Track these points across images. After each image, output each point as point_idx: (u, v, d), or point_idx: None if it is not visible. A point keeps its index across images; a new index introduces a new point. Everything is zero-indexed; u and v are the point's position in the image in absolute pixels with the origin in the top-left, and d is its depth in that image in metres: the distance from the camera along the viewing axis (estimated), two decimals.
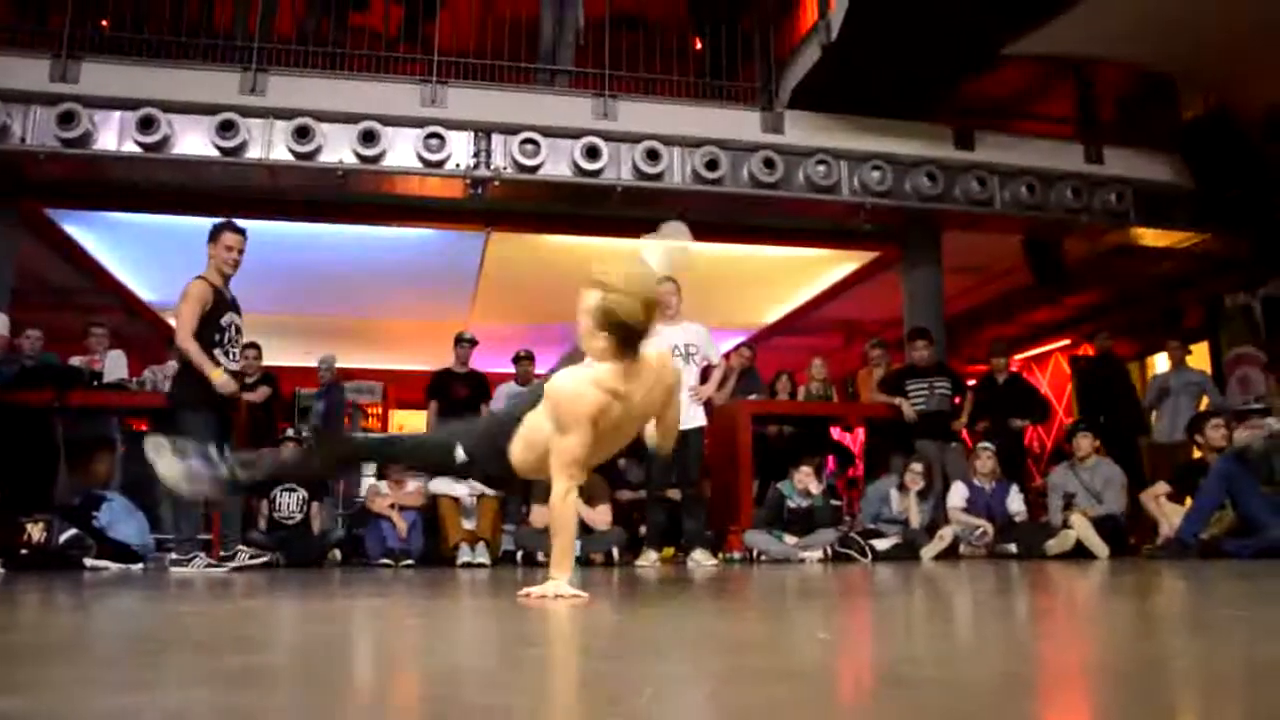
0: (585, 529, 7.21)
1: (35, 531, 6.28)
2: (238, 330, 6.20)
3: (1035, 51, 8.31)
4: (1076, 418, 9.71)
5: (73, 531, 6.36)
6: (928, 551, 7.41)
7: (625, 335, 3.38)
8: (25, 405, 7.15)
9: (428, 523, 7.60)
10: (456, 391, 8.64)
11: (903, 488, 7.90)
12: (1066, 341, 13.37)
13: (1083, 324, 12.77)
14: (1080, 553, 7.06)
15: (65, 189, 8.26)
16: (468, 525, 7.40)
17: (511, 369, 9.17)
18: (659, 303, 3.59)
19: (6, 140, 7.38)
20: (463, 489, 7.47)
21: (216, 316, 6.04)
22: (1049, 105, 9.99)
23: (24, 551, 6.11)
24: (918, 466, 7.84)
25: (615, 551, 7.29)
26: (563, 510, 3.45)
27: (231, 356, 6.13)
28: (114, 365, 7.75)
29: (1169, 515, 7.29)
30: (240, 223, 8.82)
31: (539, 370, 9.11)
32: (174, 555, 6.12)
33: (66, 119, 7.39)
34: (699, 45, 9.43)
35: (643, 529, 7.43)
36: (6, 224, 8.17)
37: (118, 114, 7.60)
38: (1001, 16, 7.48)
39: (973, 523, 7.65)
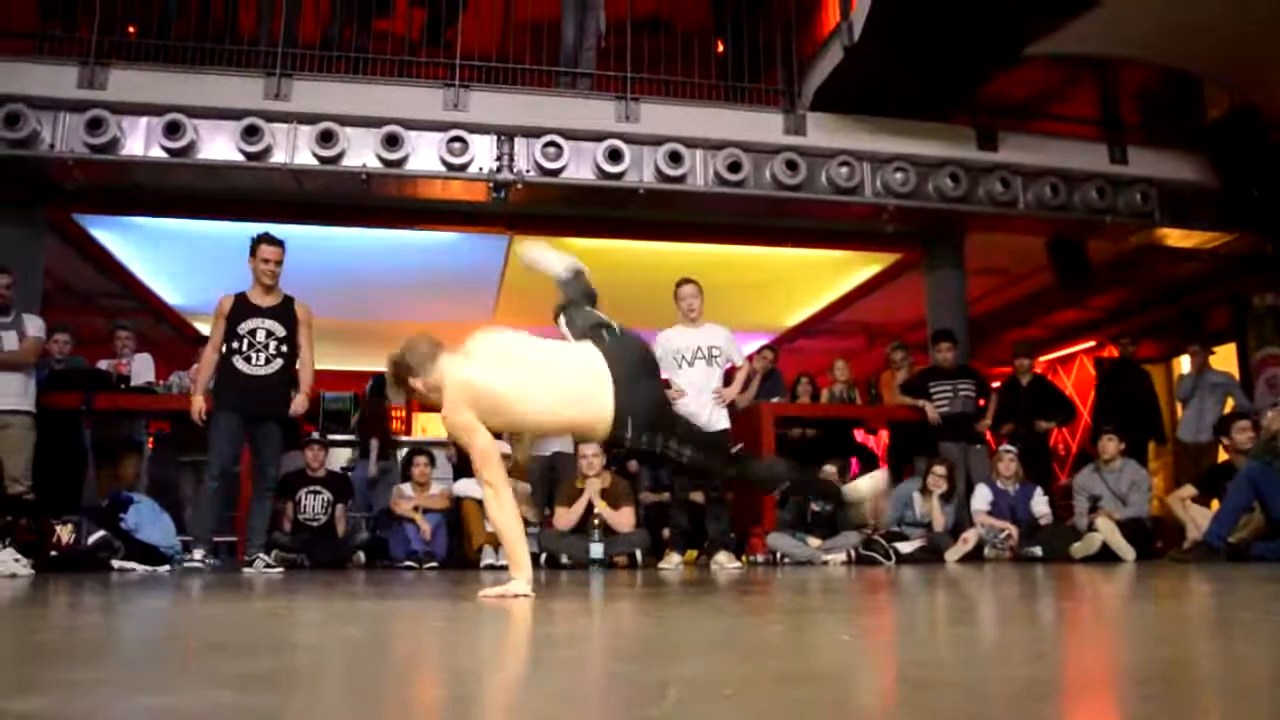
0: (609, 531, 7.23)
1: (64, 533, 6.35)
2: (268, 335, 6.33)
3: (1058, 51, 8.26)
4: (1094, 421, 9.66)
5: (101, 533, 6.43)
6: (952, 554, 7.39)
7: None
8: (54, 409, 7.22)
9: (451, 525, 7.64)
10: None
11: (925, 490, 7.87)
12: (1091, 343, 13.28)
13: (1108, 325, 12.70)
14: (1106, 556, 7.01)
15: (93, 194, 8.34)
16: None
17: None
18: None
19: (36, 146, 7.45)
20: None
21: (236, 324, 6.29)
22: (1073, 105, 9.92)
23: (53, 553, 6.18)
24: (940, 469, 7.82)
25: (638, 554, 7.30)
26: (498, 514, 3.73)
27: (254, 361, 6.27)
28: (141, 369, 7.84)
29: (1196, 518, 7.24)
30: (264, 226, 8.93)
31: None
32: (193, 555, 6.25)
33: (94, 125, 7.45)
34: (721, 47, 9.42)
35: (666, 532, 7.43)
36: (35, 229, 8.26)
37: (144, 120, 7.66)
38: (1024, 17, 7.44)
39: (997, 525, 7.62)
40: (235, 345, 6.27)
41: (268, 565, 6.34)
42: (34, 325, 7.00)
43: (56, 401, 7.27)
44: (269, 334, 6.33)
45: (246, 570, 6.18)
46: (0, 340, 6.77)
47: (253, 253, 6.42)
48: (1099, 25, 7.55)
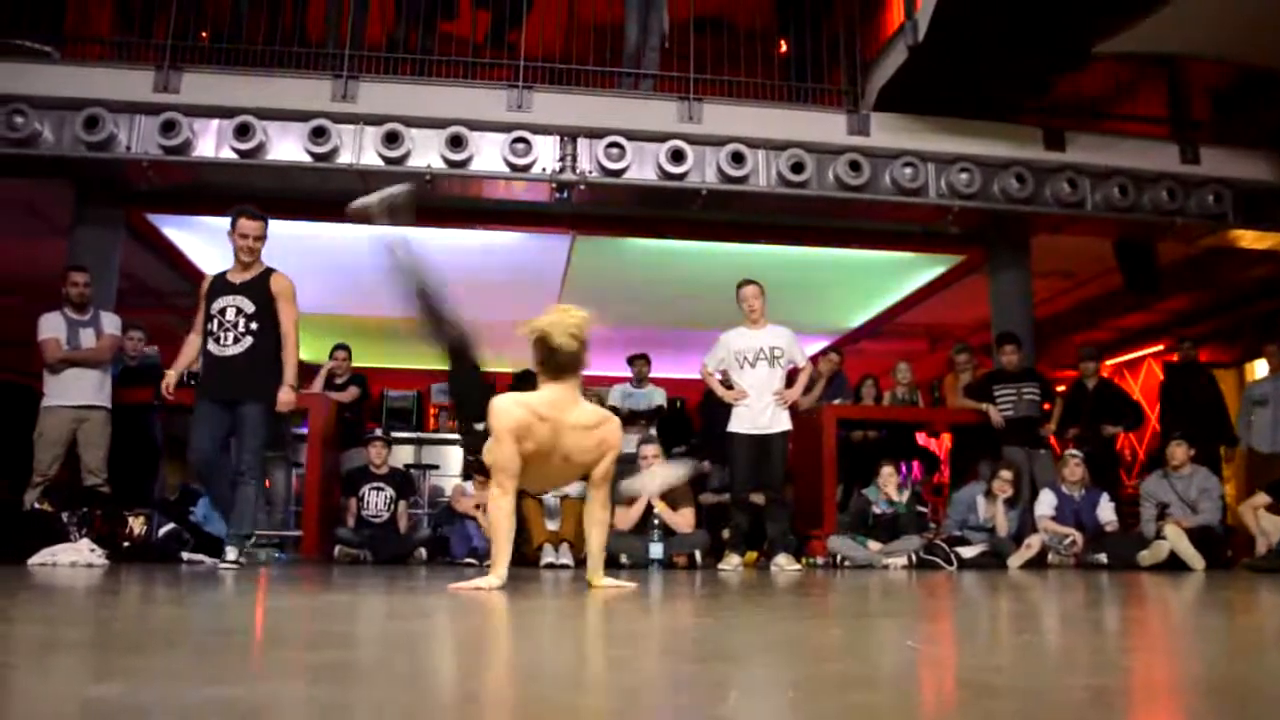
0: (669, 532, 7.24)
1: (136, 525, 6.52)
2: (237, 312, 5.89)
3: (1128, 50, 8.12)
4: (1161, 426, 9.47)
5: (171, 526, 6.58)
6: (1015, 560, 7.30)
7: (550, 360, 4.00)
8: (127, 404, 7.39)
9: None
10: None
11: (990, 494, 7.78)
12: (1160, 347, 13.03)
13: (1177, 329, 12.45)
14: (1174, 565, 6.89)
15: (166, 194, 8.51)
16: (551, 526, 7.47)
17: (598, 371, 9.25)
18: (585, 337, 4.06)
19: (113, 148, 7.64)
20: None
21: (210, 304, 5.95)
22: (1142, 104, 9.74)
23: (125, 544, 6.34)
24: (1006, 474, 7.72)
25: (698, 555, 7.31)
26: (491, 513, 4.12)
27: (222, 341, 5.86)
28: None
29: (1268, 528, 7.09)
30: (331, 226, 9.06)
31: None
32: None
33: (168, 127, 7.62)
34: (784, 48, 9.39)
35: (726, 533, 7.42)
36: (112, 228, 8.46)
37: (216, 122, 7.82)
38: (1093, 15, 7.32)
39: (1061, 531, 7.52)
40: (209, 326, 5.90)
41: (235, 561, 5.79)
42: (111, 323, 7.18)
43: (129, 397, 7.44)
44: (238, 311, 5.88)
45: (221, 564, 5.85)
46: (79, 337, 6.95)
47: (231, 227, 6.04)
48: (1169, 22, 7.40)
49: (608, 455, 4.15)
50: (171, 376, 5.97)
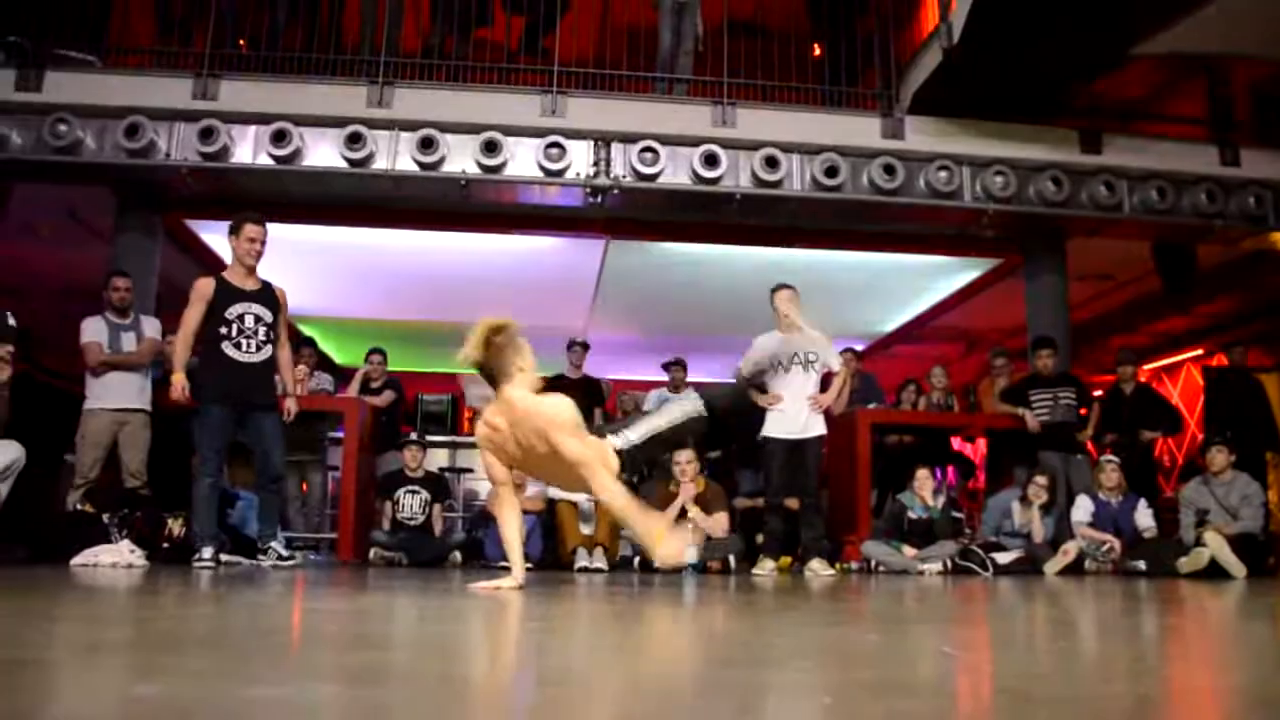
0: (704, 536, 7.23)
1: (175, 527, 6.58)
2: (256, 320, 6.05)
3: (1166, 51, 8.04)
4: (1205, 431, 9.34)
5: None
6: (1051, 566, 7.24)
7: (484, 375, 4.21)
8: (166, 407, 7.47)
9: (546, 527, 7.71)
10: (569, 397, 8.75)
11: (1025, 500, 7.72)
12: (1199, 351, 12.88)
13: (1216, 333, 12.30)
14: (1215, 572, 6.80)
15: (204, 200, 8.61)
16: (586, 530, 7.47)
17: (635, 376, 9.27)
18: (484, 344, 4.15)
19: (153, 155, 7.74)
20: (581, 495, 7.56)
21: (223, 308, 5.99)
22: (1181, 105, 9.63)
23: (165, 545, 6.41)
24: (1042, 479, 7.66)
25: (732, 560, 7.29)
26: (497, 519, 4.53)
27: (245, 348, 5.99)
28: None
29: None
30: (366, 231, 9.13)
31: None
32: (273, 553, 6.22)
33: (206, 134, 7.71)
34: (818, 51, 9.37)
35: (760, 537, 7.40)
36: (150, 234, 8.57)
37: (253, 128, 7.90)
38: (1131, 16, 7.25)
39: (1099, 538, 7.45)
40: (224, 331, 5.95)
41: (280, 558, 6.12)
42: (151, 326, 7.27)
43: (168, 401, 7.52)
44: (258, 319, 6.04)
45: (261, 560, 6.14)
46: (120, 341, 7.04)
47: (235, 232, 6.15)
48: (1209, 22, 7.32)
49: (554, 435, 4.10)
50: (182, 379, 5.91)
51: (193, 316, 5.98)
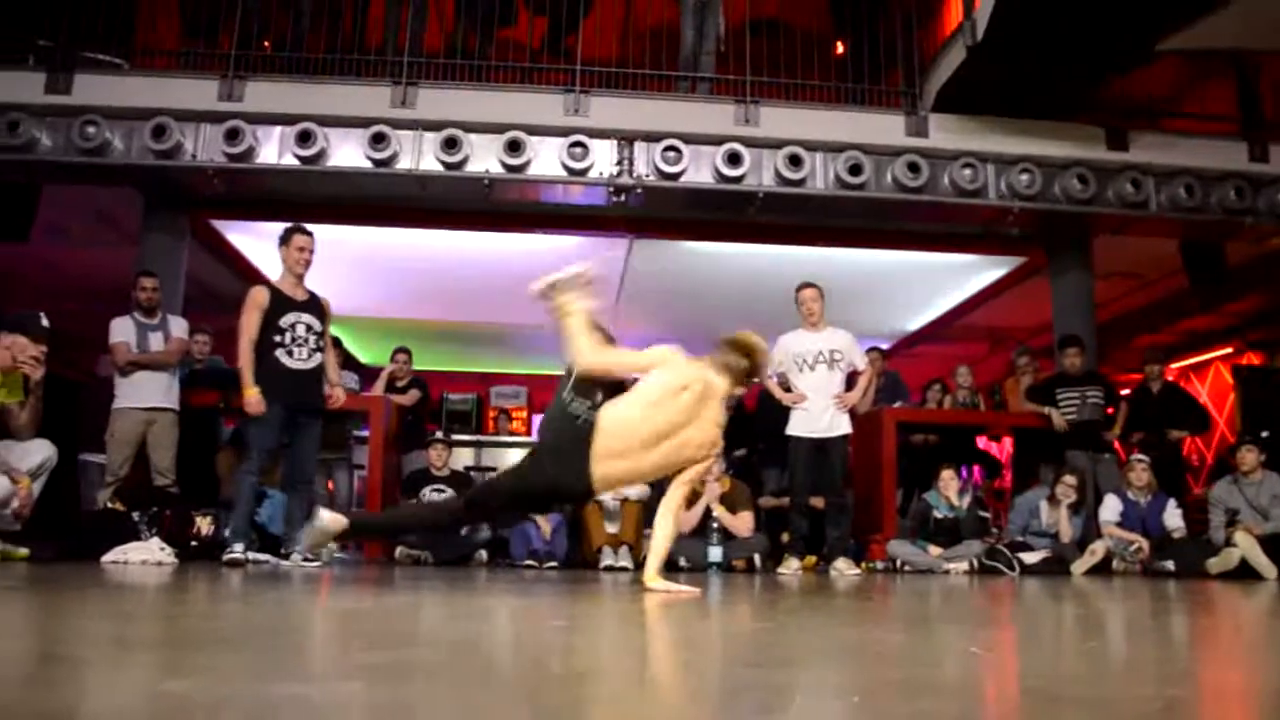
0: (728, 536, 7.23)
1: (204, 525, 6.64)
2: (308, 329, 6.31)
3: (1194, 46, 7.96)
4: (1240, 431, 9.26)
5: None
6: (1078, 567, 7.20)
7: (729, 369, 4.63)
8: (194, 406, 7.54)
9: (571, 526, 7.72)
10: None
11: (1053, 500, 7.67)
12: (1228, 350, 12.75)
13: (1246, 331, 12.18)
14: (1245, 573, 6.73)
15: (230, 201, 8.67)
16: (611, 529, 7.48)
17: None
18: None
19: (179, 156, 7.80)
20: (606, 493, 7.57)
21: (276, 317, 6.22)
22: (1209, 101, 9.54)
23: (193, 543, 6.46)
24: (1070, 479, 7.60)
25: (757, 559, 7.28)
26: None
27: (296, 355, 6.24)
28: None
29: None
30: (391, 231, 9.17)
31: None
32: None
33: (232, 135, 7.76)
34: (841, 49, 9.34)
35: (785, 536, 7.40)
36: (177, 235, 8.64)
37: (278, 129, 7.94)
38: (1157, 11, 7.19)
39: (1127, 538, 7.39)
40: (277, 339, 6.20)
41: (305, 559, 6.17)
42: (178, 327, 7.33)
43: (197, 399, 7.58)
44: (308, 328, 6.31)
45: (284, 563, 6.19)
46: (148, 341, 7.10)
47: (285, 242, 6.40)
48: (1238, 17, 7.24)
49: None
50: (256, 393, 6.11)
51: (251, 324, 6.20)
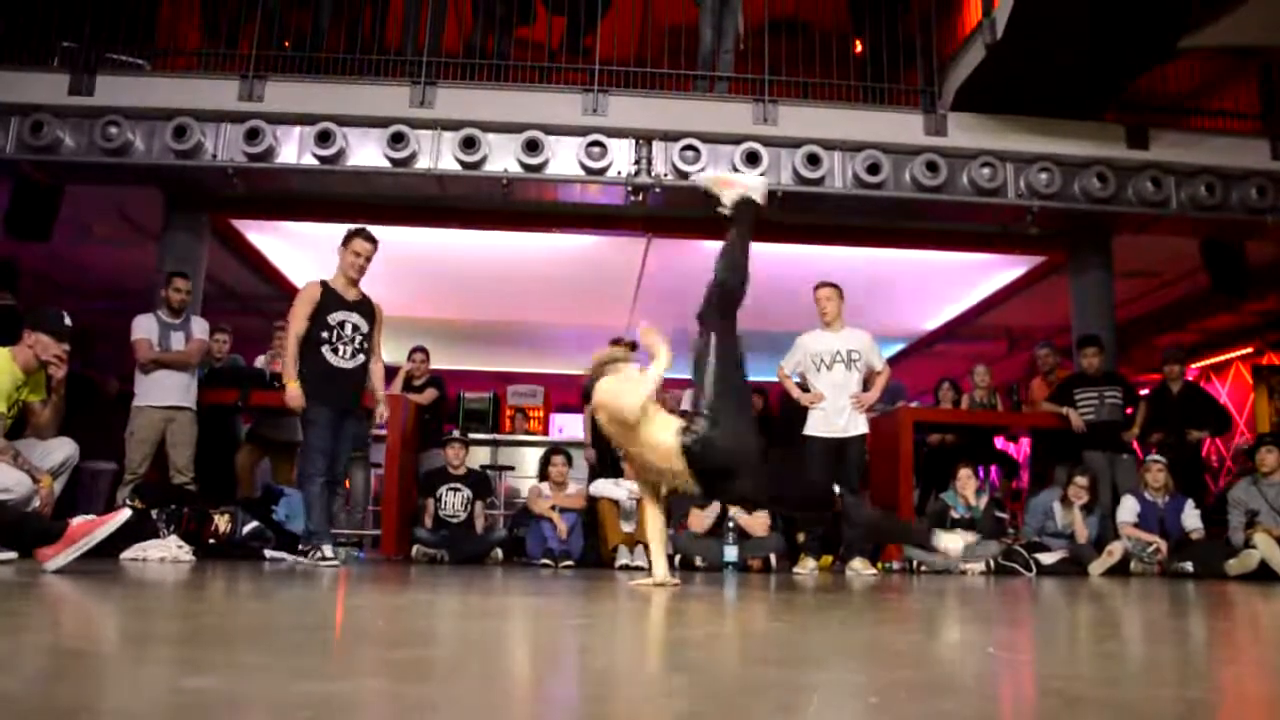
0: (744, 535, 7.23)
1: (222, 523, 6.67)
2: (354, 329, 6.32)
3: (1216, 43, 7.90)
4: (1263, 431, 9.18)
5: (254, 524, 6.73)
6: (1095, 567, 7.17)
7: None
8: (213, 404, 7.59)
9: (587, 525, 7.74)
10: None
11: (1065, 501, 7.64)
12: (1249, 349, 12.67)
13: (1267, 332, 12.10)
14: (1264, 574, 6.69)
15: (250, 201, 8.72)
16: (627, 528, 7.50)
17: (676, 375, 9.23)
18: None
19: (200, 157, 7.85)
20: (622, 492, 7.58)
21: (325, 314, 6.24)
22: (1230, 99, 9.47)
23: (212, 541, 6.50)
24: (1082, 480, 7.57)
25: (773, 558, 7.28)
26: None
27: (342, 354, 6.25)
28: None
29: None
30: (409, 230, 9.20)
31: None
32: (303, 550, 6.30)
33: (252, 135, 7.81)
34: (859, 48, 9.32)
35: (801, 536, 7.39)
36: (198, 234, 8.70)
37: (298, 129, 7.99)
38: (1180, 7, 7.15)
39: (1145, 539, 7.35)
40: (325, 335, 6.23)
41: (323, 558, 6.14)
42: (200, 327, 7.39)
43: (215, 398, 7.63)
44: (355, 328, 6.33)
45: (303, 560, 6.19)
46: (169, 340, 7.15)
47: (346, 244, 6.43)
48: (1260, 14, 7.20)
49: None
50: (297, 388, 6.11)
51: (300, 318, 6.23)
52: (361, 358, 6.37)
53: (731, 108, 8.41)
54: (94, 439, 7.11)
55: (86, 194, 8.63)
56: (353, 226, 6.57)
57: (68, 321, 5.49)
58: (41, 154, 7.75)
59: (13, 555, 4.65)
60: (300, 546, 6.40)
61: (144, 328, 7.12)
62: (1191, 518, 7.53)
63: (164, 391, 7.09)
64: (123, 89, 7.97)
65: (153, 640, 2.21)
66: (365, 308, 6.46)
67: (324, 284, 6.38)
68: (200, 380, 7.48)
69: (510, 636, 2.63)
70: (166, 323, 7.20)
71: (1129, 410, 8.36)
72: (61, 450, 5.69)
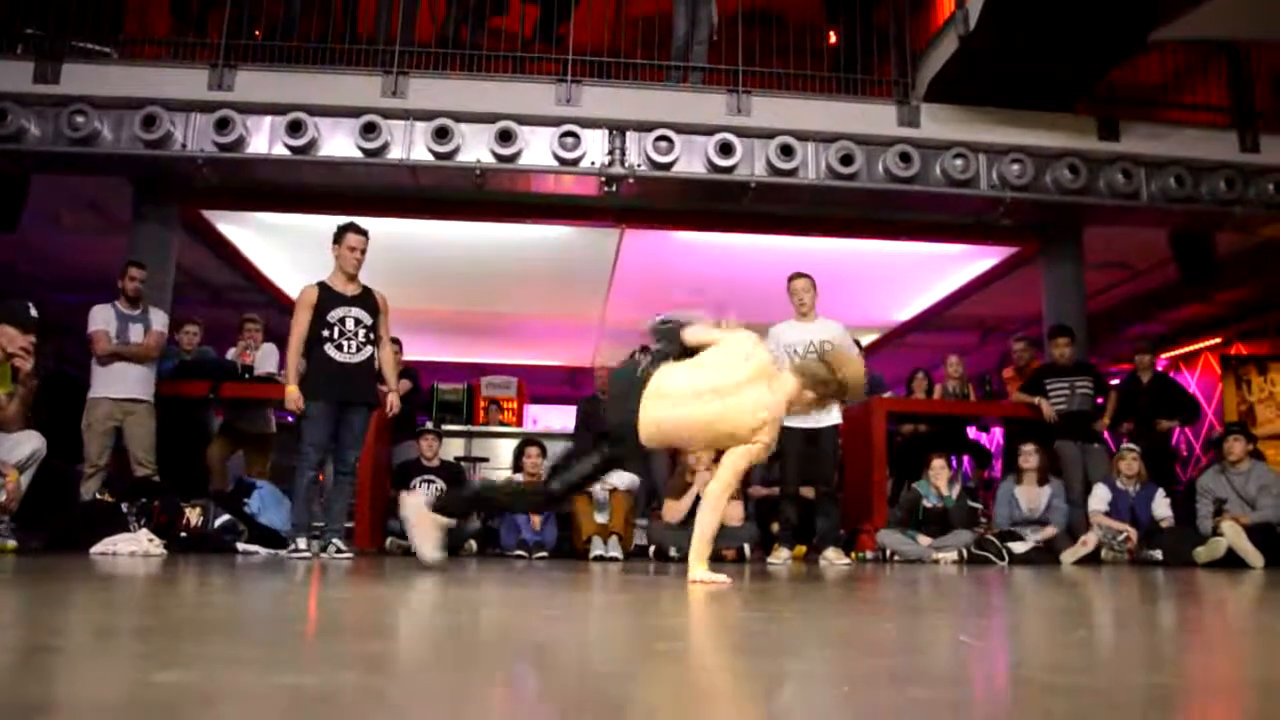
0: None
1: (193, 516, 6.61)
2: (356, 322, 6.29)
3: (1186, 36, 7.96)
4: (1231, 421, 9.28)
5: (226, 517, 6.68)
6: (1068, 556, 7.22)
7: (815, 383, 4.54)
8: (184, 397, 7.52)
9: (561, 516, 7.72)
10: None
11: (1020, 479, 7.73)
12: (1217, 340, 12.80)
13: (1235, 322, 12.22)
14: (1232, 562, 6.77)
15: (221, 191, 8.64)
16: (600, 519, 7.49)
17: None
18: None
19: (169, 146, 7.77)
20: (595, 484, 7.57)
21: (324, 313, 6.23)
22: (1200, 91, 9.55)
23: (183, 534, 6.45)
24: (1029, 446, 7.68)
25: (747, 548, 7.29)
26: None
27: (345, 349, 6.23)
28: (265, 359, 8.09)
29: None
30: (381, 221, 9.14)
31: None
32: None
33: (222, 125, 7.74)
34: (833, 39, 9.34)
35: (775, 526, 7.41)
36: (167, 225, 8.62)
37: (269, 119, 7.92)
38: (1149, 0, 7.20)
39: (1115, 527, 7.42)
40: (325, 334, 6.22)
41: (339, 551, 6.17)
42: (159, 320, 7.32)
43: (186, 390, 7.56)
44: (357, 322, 6.30)
45: (322, 555, 6.19)
46: (128, 331, 7.08)
47: (338, 240, 6.41)
48: (1230, 6, 7.26)
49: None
50: (296, 391, 6.10)
51: (300, 323, 6.22)
52: (369, 349, 6.34)
53: (705, 98, 8.41)
54: (76, 440, 7.06)
55: (54, 184, 8.53)
56: (341, 222, 6.51)
57: (34, 313, 5.43)
58: (6, 143, 7.65)
59: None
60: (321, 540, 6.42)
61: (102, 318, 7.05)
62: (1161, 506, 7.59)
63: (121, 383, 7.02)
64: (90, 77, 7.88)
65: (123, 634, 2.19)
66: (367, 300, 6.43)
67: (321, 285, 6.36)
68: (170, 373, 7.40)
69: (483, 629, 2.63)
70: (125, 314, 7.13)
71: (1100, 400, 8.43)
72: (29, 443, 5.64)
